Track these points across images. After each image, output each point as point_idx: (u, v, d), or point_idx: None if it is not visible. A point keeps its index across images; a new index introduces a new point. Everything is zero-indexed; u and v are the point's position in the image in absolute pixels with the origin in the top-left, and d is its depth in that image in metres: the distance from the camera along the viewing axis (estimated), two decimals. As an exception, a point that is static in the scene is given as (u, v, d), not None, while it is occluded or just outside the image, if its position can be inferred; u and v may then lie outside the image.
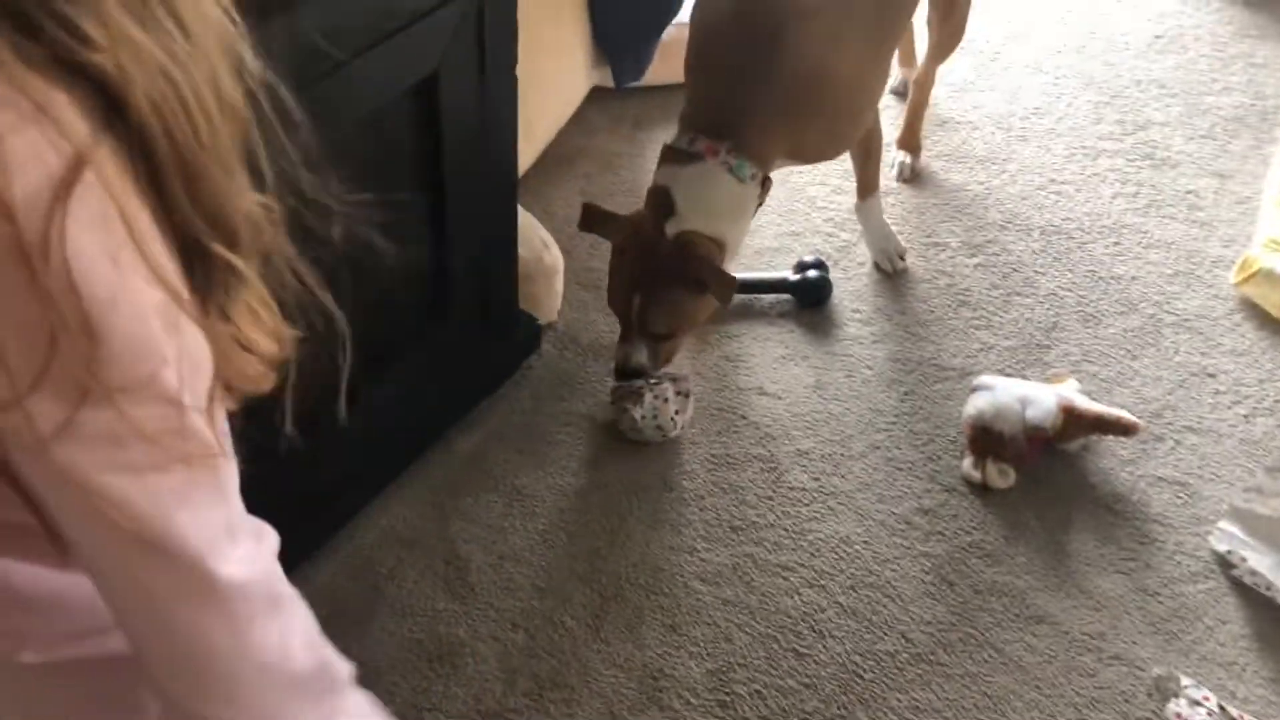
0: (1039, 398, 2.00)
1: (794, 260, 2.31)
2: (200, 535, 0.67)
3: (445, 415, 2.03)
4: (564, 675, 1.73)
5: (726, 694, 1.72)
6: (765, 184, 1.99)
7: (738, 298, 2.07)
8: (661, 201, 1.90)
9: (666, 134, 2.02)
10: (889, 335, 2.24)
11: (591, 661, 1.75)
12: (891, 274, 2.32)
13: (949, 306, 2.30)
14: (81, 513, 0.65)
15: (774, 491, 1.99)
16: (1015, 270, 2.38)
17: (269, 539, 0.77)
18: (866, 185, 2.30)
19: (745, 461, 2.02)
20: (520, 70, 1.78)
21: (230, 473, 0.71)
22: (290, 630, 0.75)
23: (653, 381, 2.00)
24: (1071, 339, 2.25)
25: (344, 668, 0.83)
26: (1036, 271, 2.38)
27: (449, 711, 1.68)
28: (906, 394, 2.14)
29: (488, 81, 1.70)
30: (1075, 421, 1.99)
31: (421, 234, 1.79)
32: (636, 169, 2.56)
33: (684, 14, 2.72)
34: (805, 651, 1.78)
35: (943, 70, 2.55)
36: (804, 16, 1.90)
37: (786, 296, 2.28)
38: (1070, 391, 2.04)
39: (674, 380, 2.03)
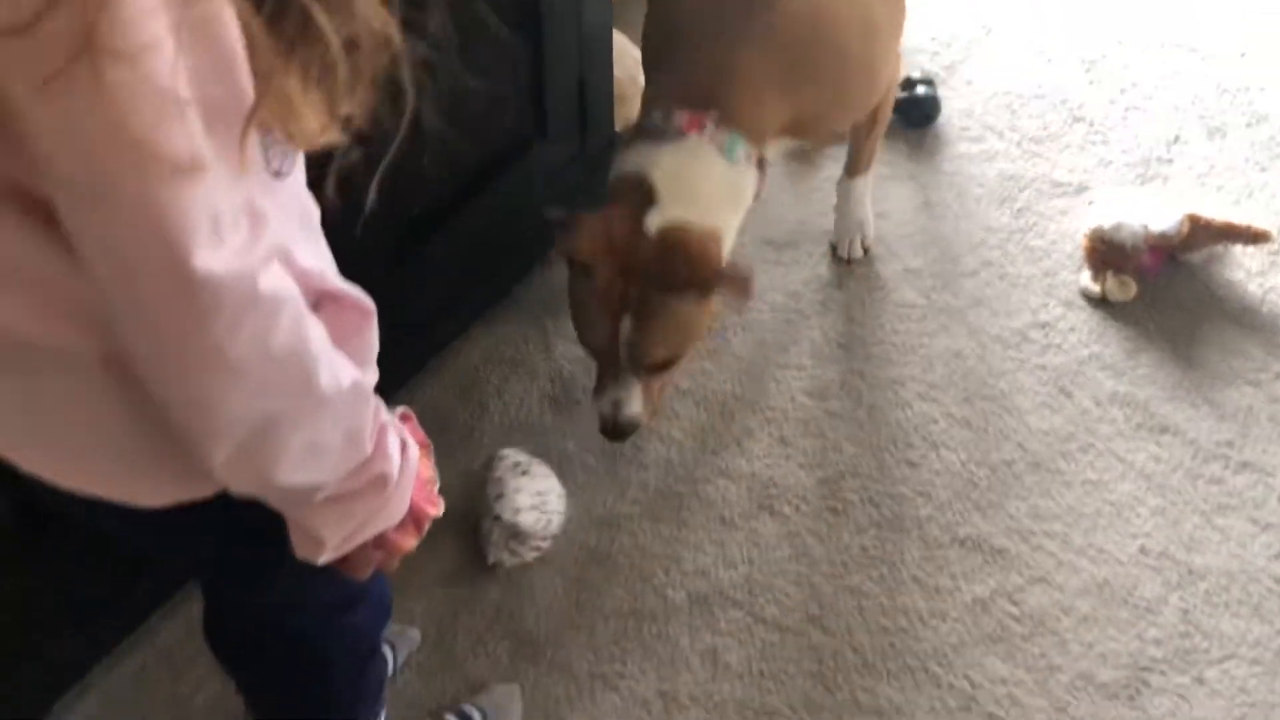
0: (1161, 207, 1.90)
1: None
2: (181, 216, 0.63)
3: (546, 237, 2.00)
4: (672, 485, 1.73)
5: (838, 500, 1.70)
6: (762, 166, 1.57)
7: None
8: (636, 191, 1.50)
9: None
10: (1000, 153, 2.15)
11: (701, 471, 1.74)
12: (846, 261, 1.97)
13: (1063, 123, 2.19)
14: (66, 159, 0.62)
15: (882, 309, 1.93)
16: (1134, 85, 2.25)
17: (265, 236, 0.70)
18: (862, 161, 1.89)
19: (851, 279, 1.97)
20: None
21: (233, 181, 0.67)
22: (270, 330, 0.70)
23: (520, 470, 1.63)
24: (1195, 153, 2.13)
25: (352, 378, 0.80)
26: (1156, 85, 2.25)
27: (560, 520, 1.69)
28: (1020, 210, 2.06)
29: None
30: (1201, 230, 1.89)
31: (518, 46, 1.74)
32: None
33: None
34: (918, 461, 1.74)
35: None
36: None
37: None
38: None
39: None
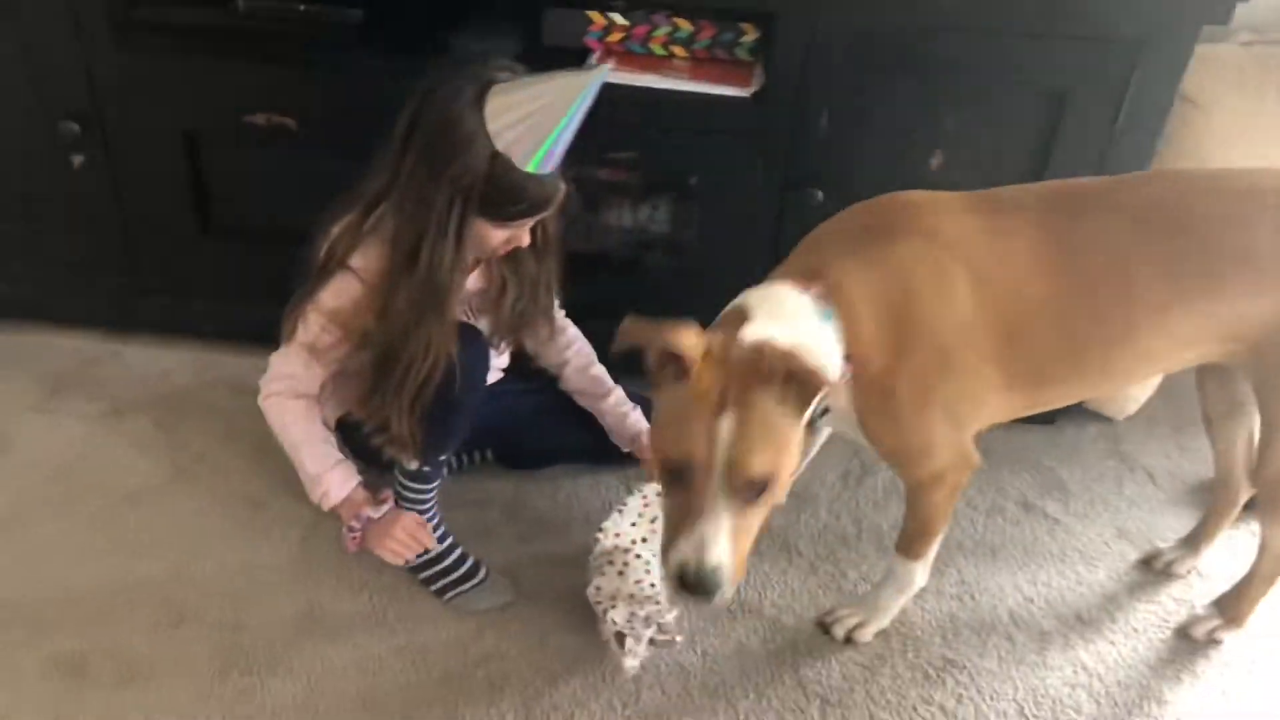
0: None
1: None
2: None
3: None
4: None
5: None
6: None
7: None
8: (734, 316, 1.49)
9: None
10: None
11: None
12: (838, 639, 1.85)
13: None
14: None
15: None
16: None
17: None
18: (908, 540, 1.76)
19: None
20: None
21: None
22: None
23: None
24: None
25: None
26: None
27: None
28: None
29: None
30: None
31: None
32: None
33: None
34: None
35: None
36: None
37: None
38: None
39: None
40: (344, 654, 1.77)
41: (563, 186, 1.62)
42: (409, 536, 1.79)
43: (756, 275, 2.11)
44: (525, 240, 1.69)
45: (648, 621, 1.72)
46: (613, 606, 1.73)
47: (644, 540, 1.83)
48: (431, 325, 1.62)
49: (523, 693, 1.73)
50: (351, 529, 1.80)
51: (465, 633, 1.81)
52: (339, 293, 1.67)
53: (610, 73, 1.95)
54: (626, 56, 2.01)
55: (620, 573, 1.77)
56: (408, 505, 1.84)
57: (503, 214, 1.60)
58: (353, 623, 1.82)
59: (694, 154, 1.98)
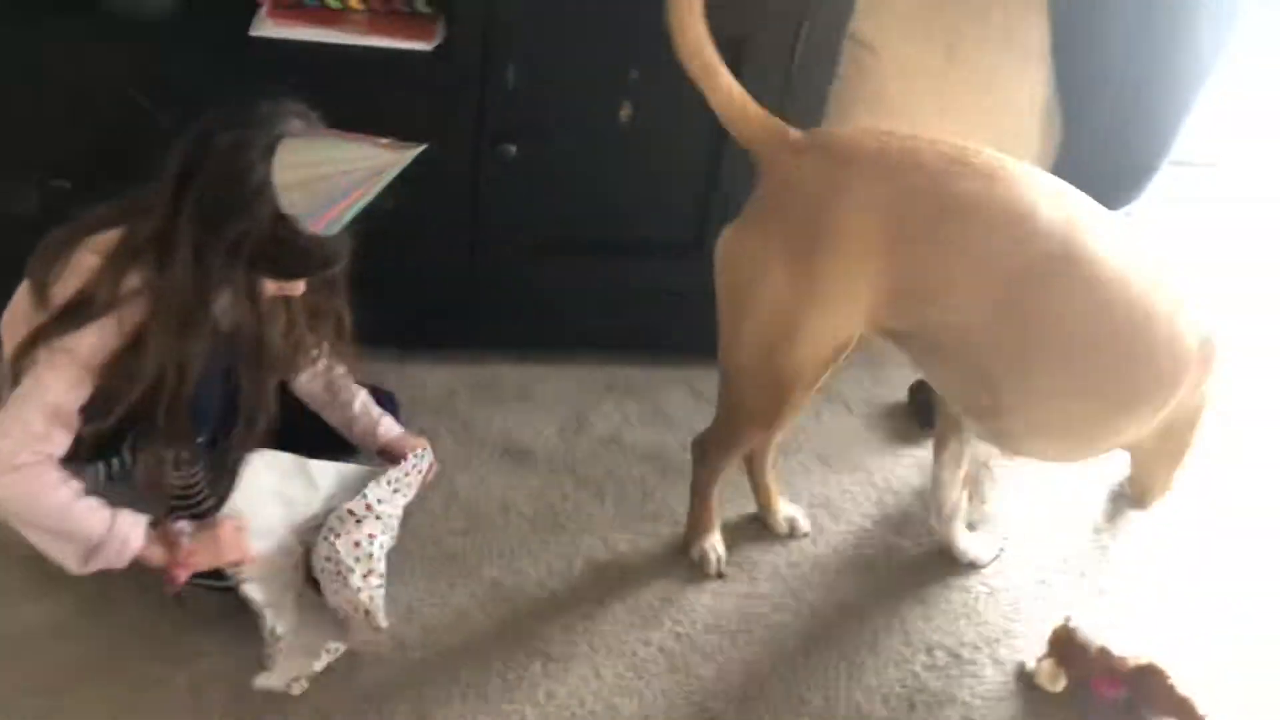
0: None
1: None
2: None
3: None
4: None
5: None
6: None
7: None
8: None
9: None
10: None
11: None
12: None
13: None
14: None
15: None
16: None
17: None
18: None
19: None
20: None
21: None
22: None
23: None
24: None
25: None
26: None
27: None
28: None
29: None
30: (1159, 687, 1.76)
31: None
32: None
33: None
34: None
35: None
36: None
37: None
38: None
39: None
40: (24, 672, 1.63)
41: (349, 243, 1.53)
42: (237, 533, 1.64)
43: (457, 237, 2.11)
44: (299, 290, 1.59)
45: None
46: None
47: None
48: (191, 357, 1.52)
49: (231, 688, 1.65)
50: (168, 570, 1.60)
51: (162, 635, 1.71)
52: (96, 347, 1.48)
53: (283, 30, 1.87)
54: (298, 10, 1.90)
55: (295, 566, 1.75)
56: (184, 508, 1.71)
57: (283, 273, 1.53)
58: (34, 638, 1.68)
59: (375, 113, 1.87)
